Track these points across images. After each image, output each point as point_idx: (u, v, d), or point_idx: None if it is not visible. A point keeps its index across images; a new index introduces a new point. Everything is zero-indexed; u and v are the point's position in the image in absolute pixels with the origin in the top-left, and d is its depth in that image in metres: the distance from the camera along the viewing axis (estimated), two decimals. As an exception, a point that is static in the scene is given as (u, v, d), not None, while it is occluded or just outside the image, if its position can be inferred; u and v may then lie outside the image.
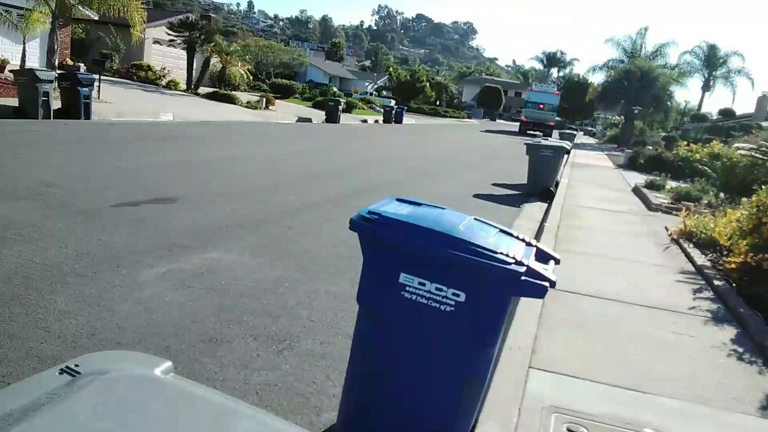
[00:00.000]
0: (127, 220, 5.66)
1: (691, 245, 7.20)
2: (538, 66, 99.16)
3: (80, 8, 18.47)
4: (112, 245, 4.84)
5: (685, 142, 21.21)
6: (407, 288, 2.34)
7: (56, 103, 13.38)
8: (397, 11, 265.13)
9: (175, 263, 4.62)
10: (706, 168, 13.26)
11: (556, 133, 38.96)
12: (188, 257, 4.81)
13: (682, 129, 42.45)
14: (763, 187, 6.60)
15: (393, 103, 44.44)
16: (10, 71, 14.81)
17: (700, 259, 6.57)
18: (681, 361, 3.78)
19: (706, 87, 50.12)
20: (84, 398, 1.05)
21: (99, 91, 16.31)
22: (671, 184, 13.21)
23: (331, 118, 26.50)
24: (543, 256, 2.45)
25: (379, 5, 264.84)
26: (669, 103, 40.18)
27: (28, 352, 2.99)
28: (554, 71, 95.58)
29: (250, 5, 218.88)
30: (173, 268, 4.51)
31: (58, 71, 15.03)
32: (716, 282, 5.64)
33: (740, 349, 4.08)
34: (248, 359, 3.23)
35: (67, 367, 1.16)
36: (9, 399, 1.07)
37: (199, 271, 4.52)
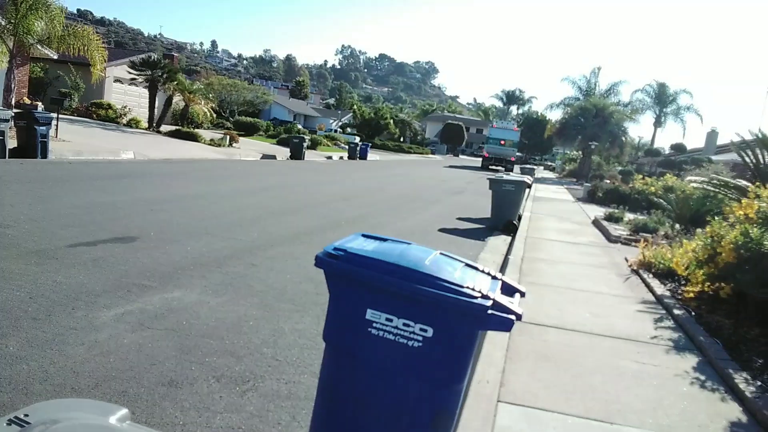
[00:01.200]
0: (84, 260, 5.49)
1: (651, 275, 7.37)
2: (498, 104, 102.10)
3: (39, 47, 18.24)
4: (68, 287, 4.67)
5: (641, 176, 21.98)
6: (374, 324, 2.32)
7: (12, 143, 13.04)
8: (360, 51, 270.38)
9: (134, 304, 4.48)
10: (661, 200, 13.71)
11: (517, 167, 39.87)
12: (148, 297, 4.67)
13: (637, 163, 44.03)
14: (715, 218, 6.86)
15: (358, 139, 44.80)
16: (-37, 109, 14.41)
17: (660, 289, 6.72)
18: (646, 391, 3.82)
19: (658, 123, 52.38)
20: (33, 450, 1.00)
21: (57, 129, 15.98)
22: (629, 216, 13.60)
23: (296, 155, 26.54)
24: (509, 290, 2.47)
25: (343, 45, 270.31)
26: (624, 139, 41.70)
27: (-26, 402, 2.83)
28: (514, 108, 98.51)
29: (214, 44, 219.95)
30: (132, 309, 4.37)
31: (15, 110, 14.70)
32: (676, 311, 5.77)
33: (702, 377, 4.15)
34: (210, 401, 3.12)
35: (15, 417, 1.10)
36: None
37: (159, 311, 4.39)
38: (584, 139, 38.92)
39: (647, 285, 7.02)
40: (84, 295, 4.53)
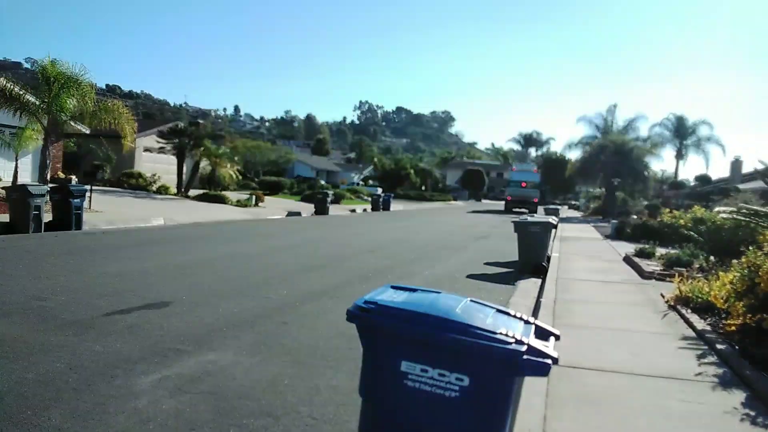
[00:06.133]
0: (120, 328, 5.59)
1: (689, 310, 7.19)
2: (517, 147, 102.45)
3: (72, 124, 19.03)
4: (106, 355, 4.75)
5: (668, 209, 21.67)
6: (409, 376, 2.33)
7: (48, 216, 13.50)
8: (377, 105, 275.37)
9: (171, 369, 4.52)
10: (692, 233, 13.46)
11: (541, 209, 39.65)
12: (184, 362, 4.71)
13: (663, 197, 43.44)
14: (750, 248, 6.71)
15: (380, 191, 45.32)
16: (2, 188, 15.05)
17: (700, 323, 6.54)
18: (695, 431, 3.68)
19: (679, 156, 51.98)
20: None
21: (90, 201, 16.54)
22: (660, 251, 13.35)
23: (321, 210, 26.88)
24: (543, 333, 2.46)
25: (360, 101, 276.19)
26: (646, 173, 41.35)
27: (20, 475, 2.86)
28: (532, 150, 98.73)
29: (237, 109, 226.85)
30: (169, 374, 4.41)
31: (50, 184, 15.27)
32: (719, 345, 5.60)
33: (752, 413, 3.99)
34: (250, 465, 3.11)
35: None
36: None
37: (195, 375, 4.43)
38: (606, 176, 38.72)
39: (686, 320, 6.84)
40: (122, 362, 4.60)
